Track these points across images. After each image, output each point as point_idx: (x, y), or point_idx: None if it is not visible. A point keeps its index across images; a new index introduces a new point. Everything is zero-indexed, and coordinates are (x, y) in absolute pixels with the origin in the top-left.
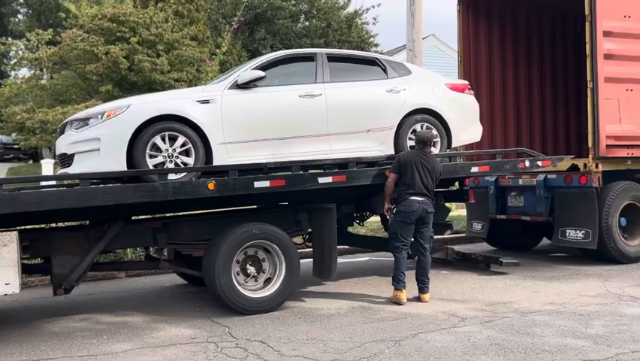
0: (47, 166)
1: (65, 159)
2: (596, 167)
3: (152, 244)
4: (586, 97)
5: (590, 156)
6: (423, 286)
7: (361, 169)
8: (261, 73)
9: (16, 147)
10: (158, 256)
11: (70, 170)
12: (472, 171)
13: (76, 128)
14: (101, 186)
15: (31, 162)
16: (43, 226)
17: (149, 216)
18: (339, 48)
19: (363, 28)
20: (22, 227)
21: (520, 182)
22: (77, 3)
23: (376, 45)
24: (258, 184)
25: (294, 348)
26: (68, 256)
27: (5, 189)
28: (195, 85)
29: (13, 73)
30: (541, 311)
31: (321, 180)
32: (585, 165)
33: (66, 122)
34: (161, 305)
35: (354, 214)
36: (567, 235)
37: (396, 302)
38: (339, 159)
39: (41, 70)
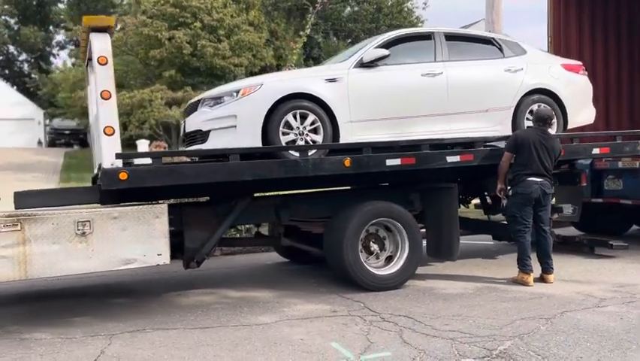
0: (143, 147)
1: (199, 136)
2: None
3: (274, 219)
4: None
5: None
6: (547, 266)
7: (488, 148)
8: (385, 51)
9: (67, 132)
10: (270, 234)
11: (205, 146)
12: (593, 152)
13: (211, 106)
14: (250, 161)
15: (76, 147)
16: (174, 201)
17: (270, 194)
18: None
19: (412, 14)
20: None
21: (620, 165)
22: None
23: None
24: (389, 162)
25: (446, 323)
26: (198, 231)
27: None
28: (251, 70)
29: (59, 60)
30: None
31: (449, 158)
32: None
33: (198, 100)
34: (279, 282)
35: (460, 197)
36: None
37: (522, 284)
38: (468, 138)
39: None
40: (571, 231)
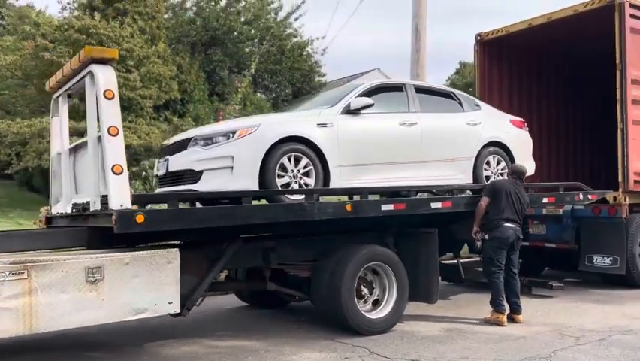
0: None
1: (188, 176)
2: (624, 200)
3: (261, 263)
4: (592, 135)
5: (620, 189)
6: (517, 307)
7: (465, 196)
8: (370, 100)
9: None
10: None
11: (198, 187)
12: (542, 201)
13: (203, 146)
14: (262, 204)
15: None
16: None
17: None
18: (292, 75)
19: (312, 58)
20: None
21: (544, 211)
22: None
23: (324, 75)
24: (384, 207)
25: None
26: (188, 276)
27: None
28: (156, 103)
29: None
30: (634, 331)
31: (433, 205)
32: (615, 198)
33: (187, 139)
34: (258, 328)
35: None
36: (594, 261)
37: (497, 324)
38: (447, 185)
39: None
40: None
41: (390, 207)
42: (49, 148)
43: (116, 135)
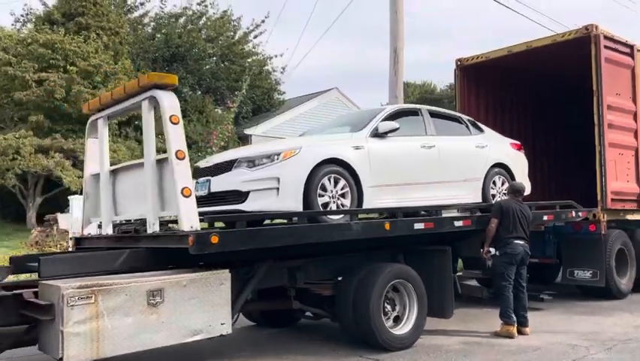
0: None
1: (231, 196)
2: (603, 217)
3: (288, 282)
4: (568, 157)
5: (599, 207)
6: (524, 320)
7: (481, 214)
8: (396, 124)
9: None
10: None
11: (245, 207)
12: (543, 218)
13: (249, 168)
14: (315, 224)
15: None
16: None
17: None
18: (252, 92)
19: (271, 77)
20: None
21: None
22: None
23: (283, 93)
24: (416, 226)
25: None
26: None
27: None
28: (120, 120)
29: None
30: (633, 339)
31: (456, 223)
32: (594, 215)
33: (231, 161)
34: (281, 347)
35: None
36: (575, 274)
37: (507, 336)
38: (470, 203)
39: None
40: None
41: (421, 225)
42: (12, 166)
43: (183, 159)
